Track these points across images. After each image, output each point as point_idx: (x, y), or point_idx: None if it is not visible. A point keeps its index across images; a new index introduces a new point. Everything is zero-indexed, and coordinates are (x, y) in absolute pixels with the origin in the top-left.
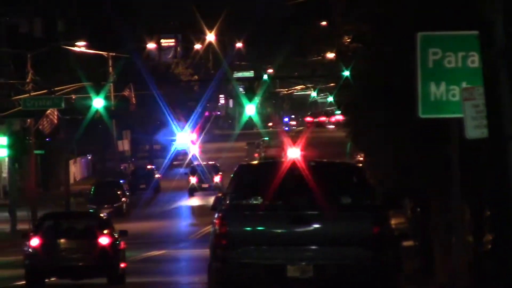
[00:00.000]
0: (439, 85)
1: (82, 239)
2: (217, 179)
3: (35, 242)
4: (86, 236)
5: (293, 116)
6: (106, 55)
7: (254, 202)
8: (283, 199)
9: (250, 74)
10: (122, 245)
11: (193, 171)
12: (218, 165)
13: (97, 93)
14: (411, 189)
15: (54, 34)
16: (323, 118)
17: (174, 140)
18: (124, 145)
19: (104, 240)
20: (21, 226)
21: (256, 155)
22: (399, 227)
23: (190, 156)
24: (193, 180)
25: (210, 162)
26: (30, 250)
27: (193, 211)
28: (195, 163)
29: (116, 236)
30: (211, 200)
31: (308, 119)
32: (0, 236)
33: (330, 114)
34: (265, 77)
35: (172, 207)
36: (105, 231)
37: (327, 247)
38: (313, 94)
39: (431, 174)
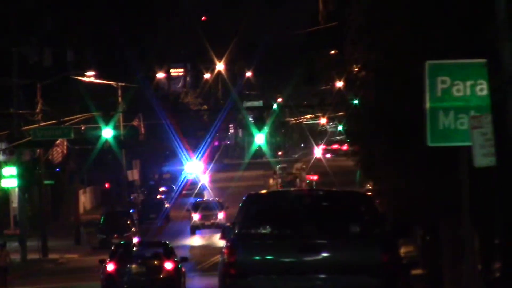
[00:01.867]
0: (447, 114)
1: (150, 264)
2: (221, 216)
3: (111, 267)
4: (154, 262)
5: (302, 145)
6: (115, 85)
7: (263, 231)
8: (292, 228)
9: (259, 103)
10: (183, 269)
11: (196, 207)
12: (222, 201)
13: (107, 123)
14: (420, 217)
15: (64, 63)
16: (335, 146)
17: (183, 170)
18: (134, 175)
19: (168, 265)
20: (31, 256)
21: (271, 181)
22: (408, 255)
23: (199, 185)
24: (195, 217)
25: (214, 199)
26: (106, 274)
27: (194, 253)
28: (198, 199)
29: (178, 261)
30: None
31: (322, 147)
32: (11, 266)
33: (342, 142)
34: (275, 106)
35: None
36: (170, 257)
37: (336, 276)
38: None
39: (441, 202)
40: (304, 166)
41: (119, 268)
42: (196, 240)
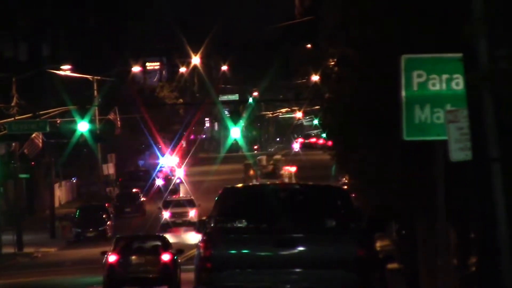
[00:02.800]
0: (423, 108)
1: (148, 256)
2: (192, 213)
3: (112, 258)
4: (152, 254)
5: (278, 139)
6: (91, 79)
7: (239, 225)
8: (268, 222)
9: (235, 97)
10: (179, 260)
11: (166, 205)
12: (193, 198)
13: (82, 116)
14: (396, 212)
15: (39, 58)
16: (313, 140)
17: (158, 164)
18: (109, 169)
19: (166, 257)
20: (6, 250)
21: (251, 172)
22: (384, 250)
23: (175, 179)
24: (166, 215)
25: (184, 196)
26: (108, 265)
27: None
28: (168, 198)
29: (175, 253)
30: (185, 237)
31: (299, 140)
32: None
33: (319, 136)
34: (250, 100)
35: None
36: (167, 250)
37: (312, 270)
38: (299, 116)
39: (416, 196)
40: (283, 158)
41: (120, 259)
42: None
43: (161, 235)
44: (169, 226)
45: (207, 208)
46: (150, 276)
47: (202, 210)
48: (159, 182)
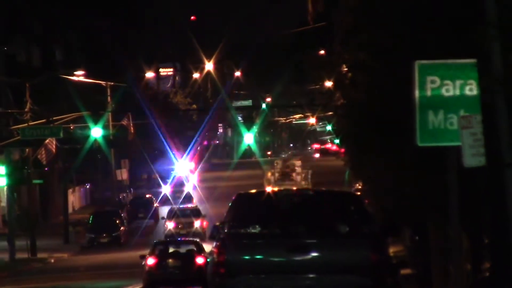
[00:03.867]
0: (437, 114)
1: (184, 259)
2: (197, 224)
3: (151, 261)
4: (187, 257)
5: (291, 145)
6: (104, 84)
7: (252, 230)
8: (281, 227)
9: (248, 103)
10: None
11: (171, 215)
12: (200, 208)
13: (96, 122)
14: (409, 217)
15: (52, 63)
16: (329, 146)
17: (172, 170)
18: (123, 174)
19: (200, 260)
20: (19, 256)
21: (269, 174)
22: (397, 255)
23: (188, 185)
24: (170, 225)
25: (190, 205)
26: (147, 267)
27: None
28: (173, 206)
29: (208, 257)
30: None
31: (316, 146)
32: None
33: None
34: (264, 105)
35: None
36: (201, 253)
37: (326, 276)
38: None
39: (430, 202)
40: (300, 161)
41: (158, 262)
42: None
43: (195, 240)
44: (173, 237)
45: (220, 214)
46: (185, 278)
47: (216, 215)
48: (166, 189)
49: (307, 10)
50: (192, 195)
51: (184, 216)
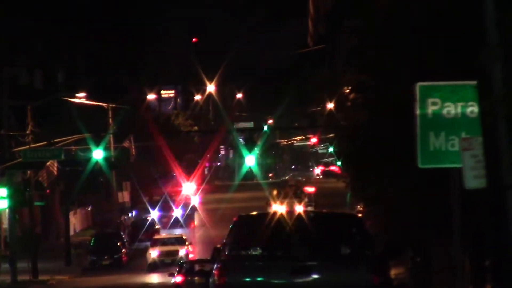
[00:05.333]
0: (438, 135)
1: (209, 277)
2: (182, 252)
3: (178, 279)
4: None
5: (293, 167)
6: (106, 107)
7: (254, 252)
8: (282, 249)
9: (250, 125)
10: None
11: (155, 243)
12: (185, 237)
13: (97, 144)
14: (411, 239)
15: (54, 85)
16: (333, 168)
17: (176, 191)
18: (124, 196)
19: None
20: (21, 277)
21: (275, 192)
22: (398, 277)
23: (189, 207)
24: (153, 254)
25: (175, 233)
26: (175, 284)
27: None
28: (157, 236)
29: None
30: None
31: (320, 167)
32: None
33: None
34: (265, 127)
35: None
36: None
37: None
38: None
39: (432, 223)
40: (304, 179)
41: (185, 280)
42: (153, 278)
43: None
44: (156, 266)
45: (221, 236)
46: None
47: (218, 237)
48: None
49: (307, 31)
50: (194, 217)
51: (168, 244)
